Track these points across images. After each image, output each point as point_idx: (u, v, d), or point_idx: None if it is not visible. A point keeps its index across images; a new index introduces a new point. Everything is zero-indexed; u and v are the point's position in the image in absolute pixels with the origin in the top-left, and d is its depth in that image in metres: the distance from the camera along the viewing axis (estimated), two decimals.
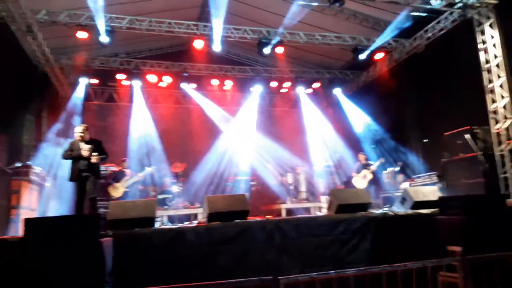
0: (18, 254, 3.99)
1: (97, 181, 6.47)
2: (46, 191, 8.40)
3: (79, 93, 12.22)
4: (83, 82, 12.15)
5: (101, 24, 8.84)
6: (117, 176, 9.78)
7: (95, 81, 12.67)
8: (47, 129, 11.63)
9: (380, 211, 6.11)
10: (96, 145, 6.46)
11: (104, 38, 9.03)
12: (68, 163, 6.47)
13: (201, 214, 9.55)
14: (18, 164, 7.56)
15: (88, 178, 6.30)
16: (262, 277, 2.93)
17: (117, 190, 9.60)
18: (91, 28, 9.10)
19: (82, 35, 9.03)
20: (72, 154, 6.35)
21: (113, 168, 10.38)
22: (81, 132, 6.41)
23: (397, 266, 3.10)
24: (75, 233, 4.07)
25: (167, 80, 12.81)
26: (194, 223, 6.18)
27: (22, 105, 10.66)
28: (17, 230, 6.29)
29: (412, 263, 3.18)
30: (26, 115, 10.81)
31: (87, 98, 12.79)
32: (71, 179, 6.39)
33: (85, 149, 6.32)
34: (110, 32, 9.09)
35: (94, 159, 6.28)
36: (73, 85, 12.34)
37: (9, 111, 9.41)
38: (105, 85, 13.29)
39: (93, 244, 4.02)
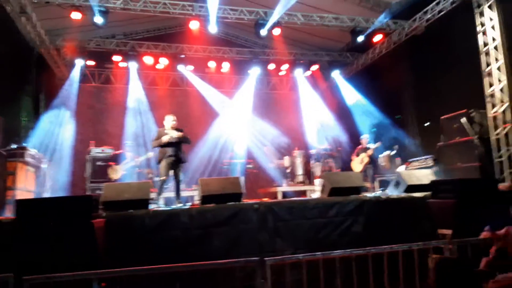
0: (10, 234, 4.04)
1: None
2: (42, 173, 8.42)
3: (76, 74, 12.17)
4: (79, 63, 12.06)
5: (94, 4, 8.70)
6: (117, 159, 9.87)
7: (91, 62, 12.54)
8: (44, 111, 11.60)
9: (373, 194, 6.13)
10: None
11: (98, 19, 8.90)
12: None
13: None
14: (14, 146, 7.55)
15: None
16: (248, 258, 2.95)
17: (116, 172, 9.68)
18: (86, 9, 8.97)
19: (76, 16, 8.91)
20: None
21: (112, 150, 10.41)
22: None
23: (382, 248, 3.12)
24: (67, 214, 4.11)
25: (163, 62, 12.72)
26: (187, 205, 6.21)
27: (19, 87, 10.59)
28: (14, 211, 6.34)
29: (398, 245, 3.20)
30: (23, 96, 10.76)
31: (83, 79, 12.72)
32: None
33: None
34: (104, 12, 8.95)
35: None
36: (70, 66, 12.27)
37: (6, 93, 9.35)
38: (102, 67, 13.16)
39: (85, 225, 4.06)
